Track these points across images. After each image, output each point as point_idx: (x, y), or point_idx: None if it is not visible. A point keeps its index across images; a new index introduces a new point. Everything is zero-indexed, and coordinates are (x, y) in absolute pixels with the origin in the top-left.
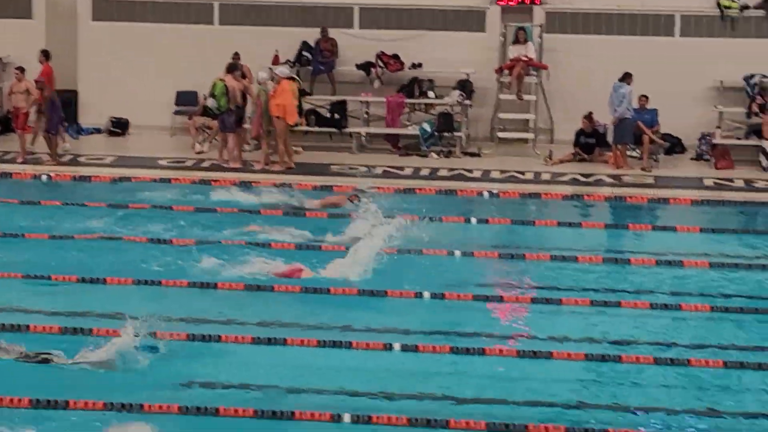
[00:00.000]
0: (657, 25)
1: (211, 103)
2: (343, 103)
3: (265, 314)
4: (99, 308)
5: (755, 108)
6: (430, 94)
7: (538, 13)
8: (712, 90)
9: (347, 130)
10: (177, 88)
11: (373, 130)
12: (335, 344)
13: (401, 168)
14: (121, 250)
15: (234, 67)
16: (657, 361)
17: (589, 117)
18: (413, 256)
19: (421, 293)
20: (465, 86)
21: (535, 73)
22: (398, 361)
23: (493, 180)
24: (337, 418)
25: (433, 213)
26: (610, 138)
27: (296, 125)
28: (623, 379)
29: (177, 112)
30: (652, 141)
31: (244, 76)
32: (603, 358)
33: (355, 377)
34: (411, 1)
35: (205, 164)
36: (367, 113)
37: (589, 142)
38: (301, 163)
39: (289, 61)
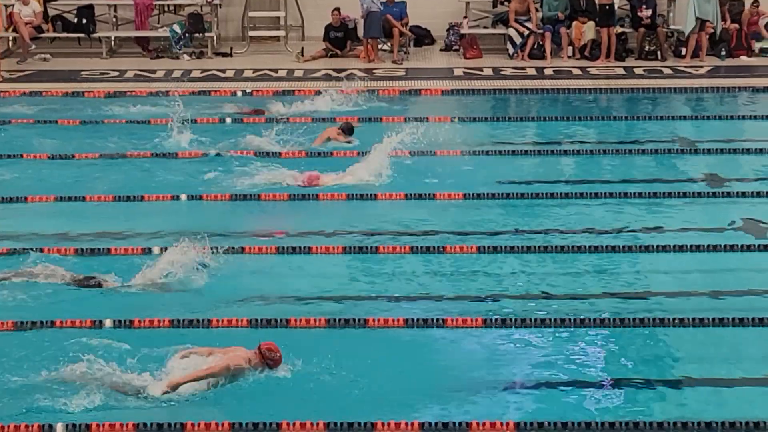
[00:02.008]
0: None
1: None
2: (90, 7)
3: None
4: None
5: None
6: None
7: None
8: None
9: (96, 35)
10: None
11: (122, 33)
12: (93, 252)
13: (153, 71)
14: None
15: None
16: (413, 250)
17: (337, 10)
18: (168, 159)
19: (177, 196)
20: None
21: None
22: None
23: (246, 79)
24: (98, 324)
25: (187, 115)
26: (360, 32)
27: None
28: (382, 269)
29: None
30: (401, 33)
31: None
32: (361, 250)
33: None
34: None
35: None
36: (115, 17)
37: (338, 36)
38: (50, 70)
39: None
